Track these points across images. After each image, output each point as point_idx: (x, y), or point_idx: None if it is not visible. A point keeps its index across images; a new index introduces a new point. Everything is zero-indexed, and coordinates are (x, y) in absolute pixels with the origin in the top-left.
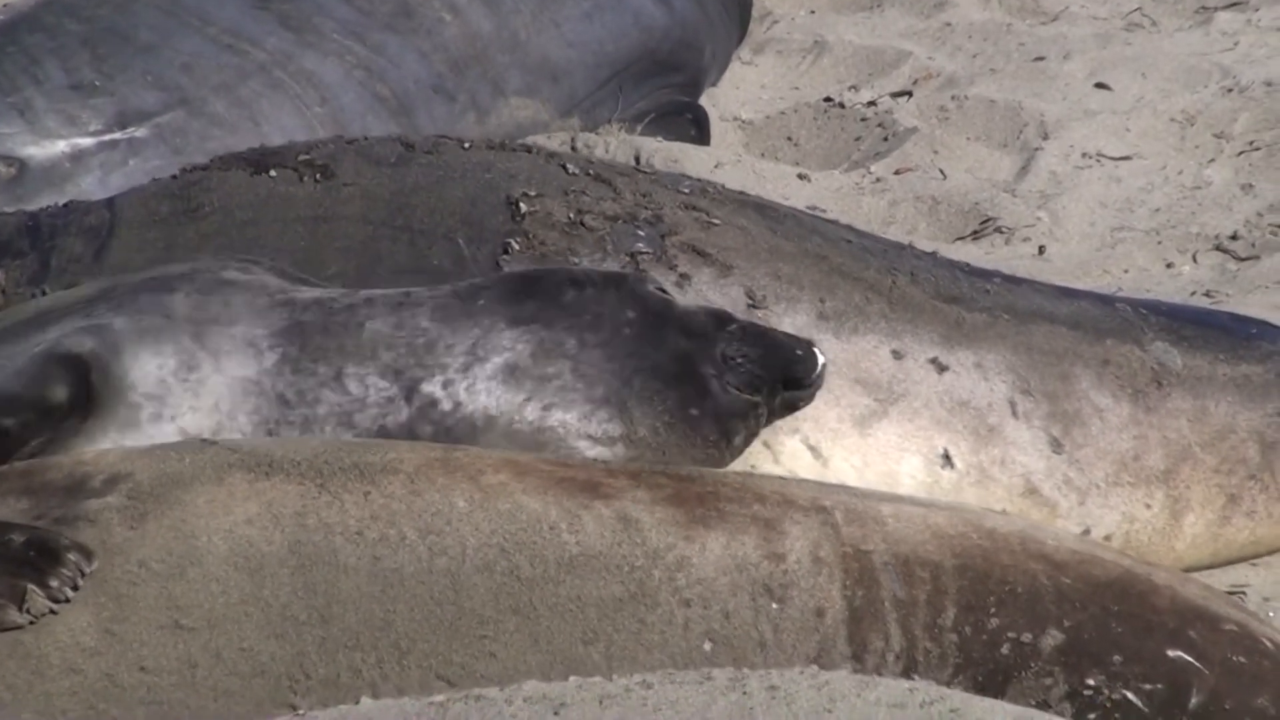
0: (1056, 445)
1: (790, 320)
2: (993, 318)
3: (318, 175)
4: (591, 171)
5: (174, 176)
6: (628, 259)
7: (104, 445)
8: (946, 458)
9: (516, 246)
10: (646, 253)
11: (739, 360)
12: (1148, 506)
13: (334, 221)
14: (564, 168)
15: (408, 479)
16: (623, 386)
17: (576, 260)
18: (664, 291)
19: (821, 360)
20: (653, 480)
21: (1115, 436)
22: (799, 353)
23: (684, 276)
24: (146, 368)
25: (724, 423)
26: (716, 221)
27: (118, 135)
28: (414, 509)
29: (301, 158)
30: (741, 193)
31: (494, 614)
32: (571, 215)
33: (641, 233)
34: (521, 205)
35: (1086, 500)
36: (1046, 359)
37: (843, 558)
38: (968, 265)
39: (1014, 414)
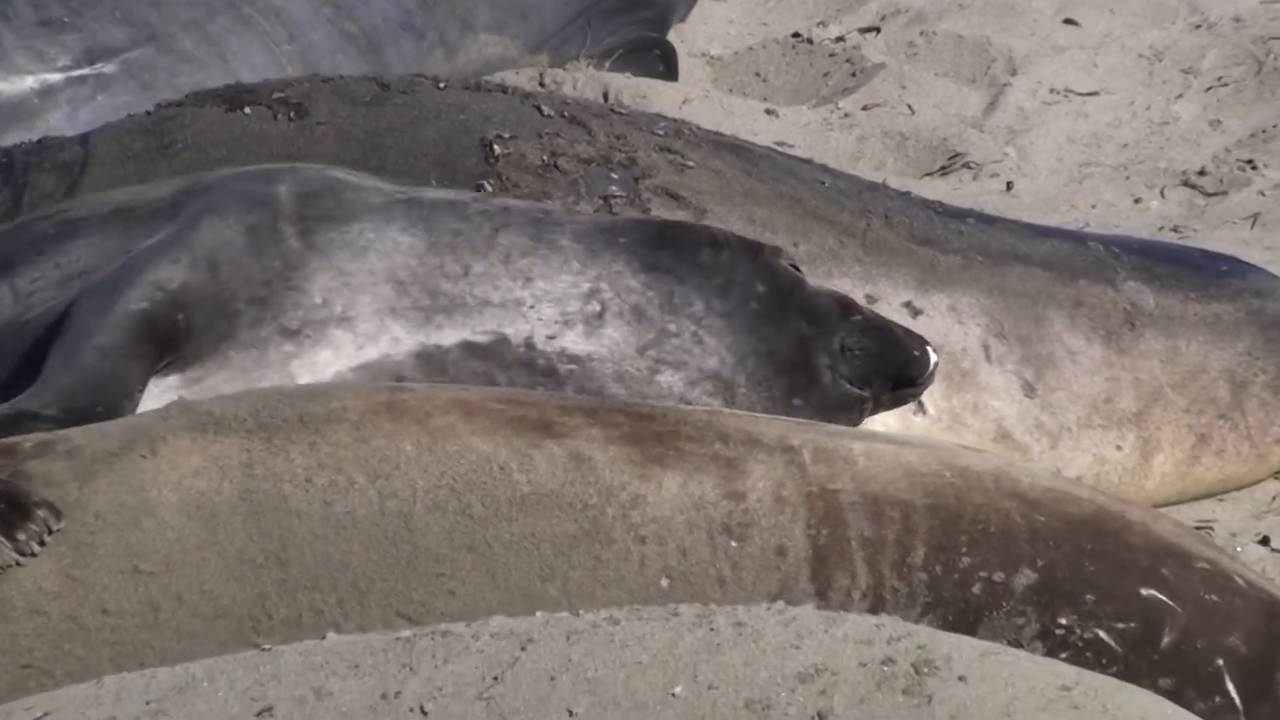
0: (1029, 389)
1: None
2: (967, 260)
3: (292, 113)
4: (566, 113)
5: (148, 113)
6: (601, 202)
7: (203, 368)
8: (919, 404)
9: (489, 188)
10: (620, 196)
11: (856, 353)
12: (1119, 448)
13: (307, 160)
14: (539, 109)
15: (353, 427)
16: (736, 364)
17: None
18: (796, 268)
19: (934, 360)
20: (609, 418)
21: (1088, 379)
22: (915, 352)
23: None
24: (249, 275)
25: (827, 414)
26: (690, 164)
27: (86, 71)
28: (360, 455)
29: (276, 95)
30: (717, 134)
31: (449, 552)
32: (545, 158)
33: (615, 175)
34: (495, 147)
35: (1059, 444)
36: (1020, 301)
37: (807, 496)
38: (941, 205)
39: (987, 358)
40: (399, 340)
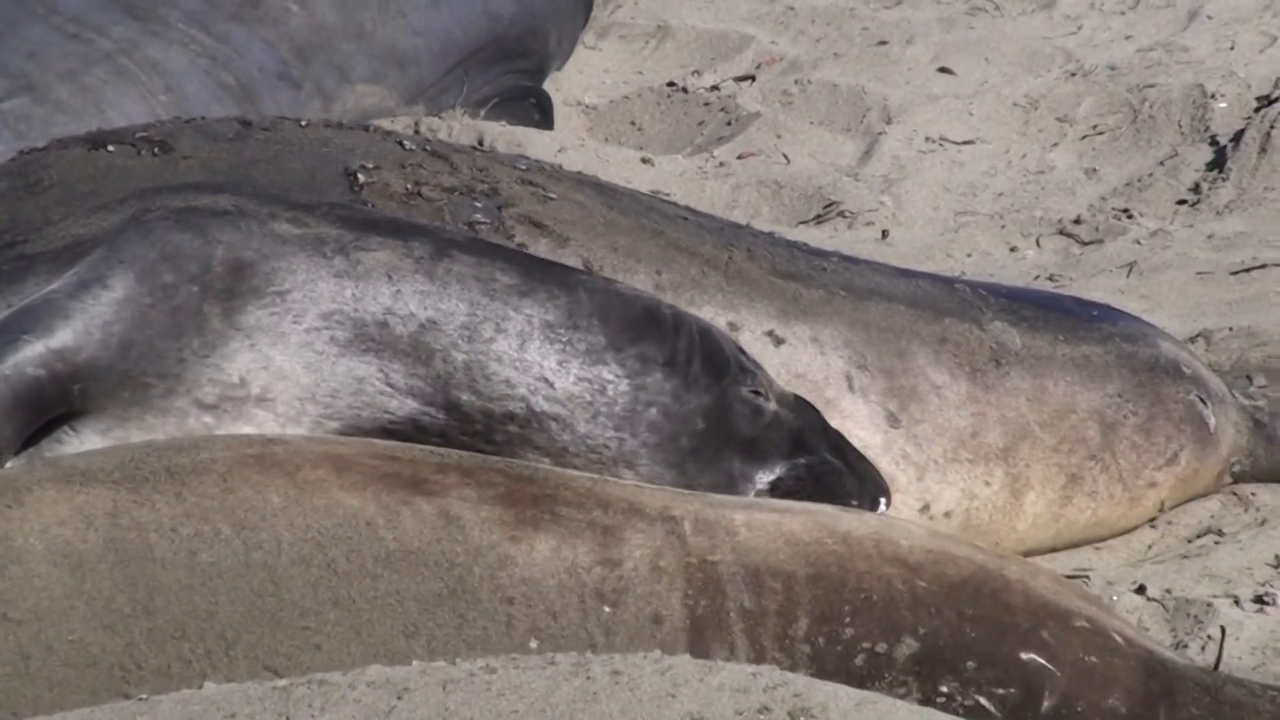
0: (894, 420)
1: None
2: (829, 294)
3: (155, 149)
4: (428, 148)
5: (11, 159)
6: (465, 228)
7: (128, 423)
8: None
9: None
10: (484, 223)
11: (792, 485)
12: (987, 484)
13: (173, 179)
14: (400, 144)
15: (220, 478)
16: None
17: None
18: (759, 395)
19: (883, 509)
20: (485, 478)
21: (953, 413)
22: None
23: (521, 246)
24: (164, 352)
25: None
26: (553, 196)
27: None
28: (227, 505)
29: (139, 135)
30: (579, 172)
31: (314, 605)
32: (409, 186)
33: (479, 204)
34: (360, 176)
35: (925, 475)
36: (883, 335)
37: (685, 567)
38: (805, 245)
39: (850, 388)
40: (320, 423)
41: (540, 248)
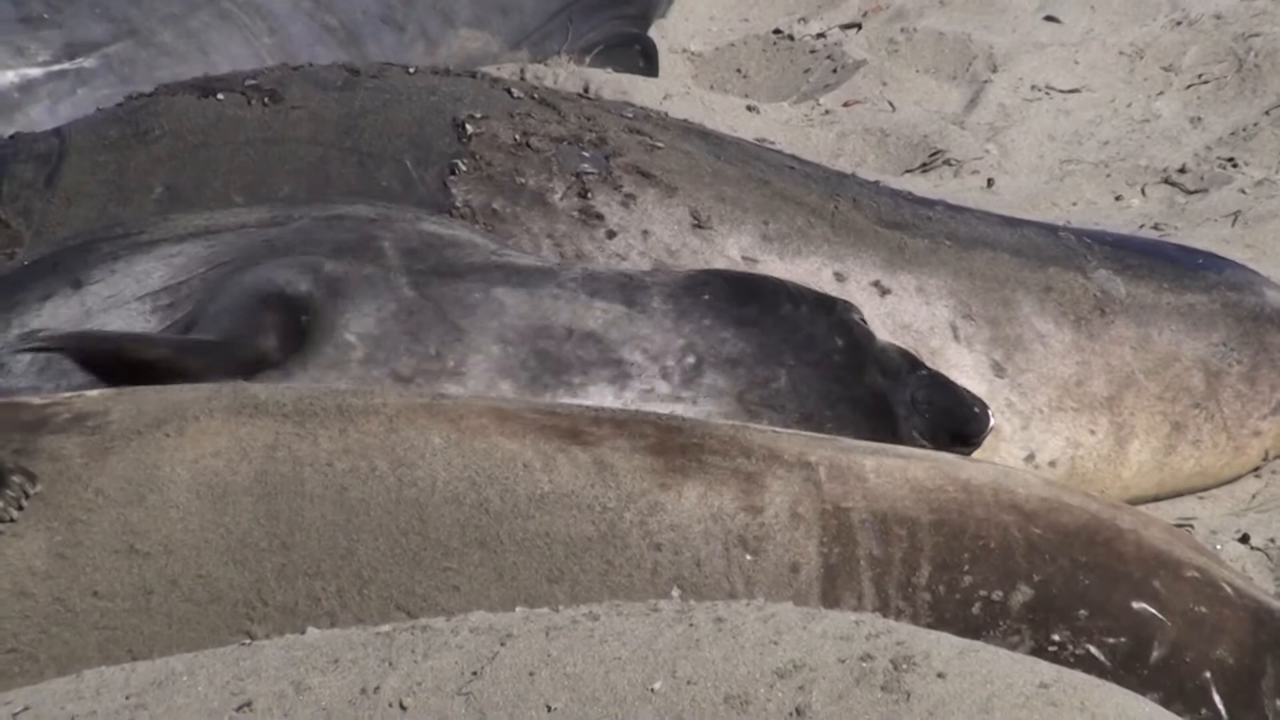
0: (999, 369)
1: (735, 241)
2: (935, 244)
3: (265, 99)
4: (536, 96)
5: (119, 104)
6: (574, 179)
7: (301, 381)
8: None
9: (464, 167)
10: (592, 173)
11: (925, 407)
12: (1092, 432)
13: (284, 144)
14: (509, 92)
15: (387, 419)
16: (826, 409)
17: (521, 181)
18: (864, 323)
19: (992, 423)
20: (637, 429)
21: (1058, 362)
22: (976, 411)
23: (629, 196)
24: (365, 312)
25: None
26: (660, 145)
27: (66, 66)
28: (388, 444)
29: (248, 83)
30: (685, 120)
31: (459, 546)
32: (517, 137)
33: (586, 154)
34: (468, 127)
35: (1030, 425)
36: (988, 285)
37: (822, 514)
38: (910, 194)
39: (955, 338)
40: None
41: (649, 196)
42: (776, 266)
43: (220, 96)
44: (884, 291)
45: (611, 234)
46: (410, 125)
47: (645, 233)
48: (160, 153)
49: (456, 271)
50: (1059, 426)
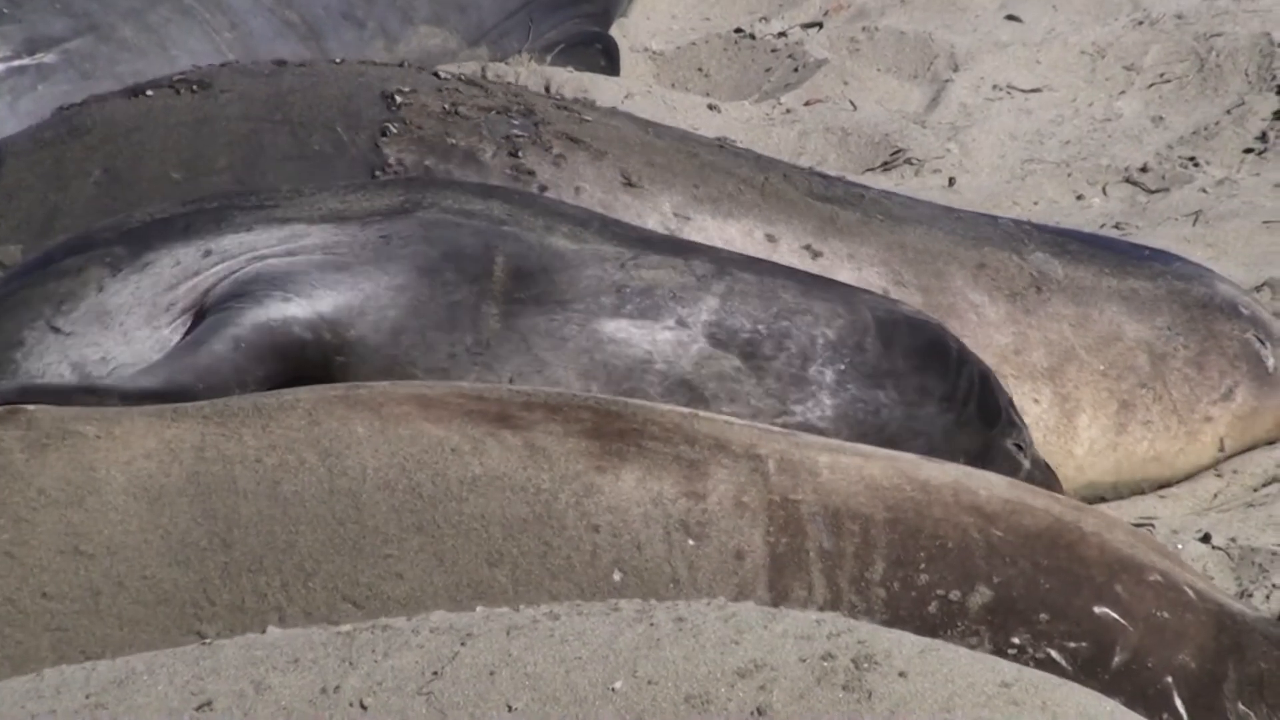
0: None
1: (667, 199)
2: (867, 217)
3: (194, 88)
4: (463, 77)
5: (51, 115)
6: (504, 140)
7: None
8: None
9: (394, 130)
10: (521, 135)
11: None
12: (1036, 401)
13: (215, 121)
14: (435, 74)
15: (305, 413)
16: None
17: (452, 142)
18: (1020, 450)
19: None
20: (572, 414)
21: (993, 331)
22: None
23: (559, 156)
24: (436, 346)
25: None
26: (589, 119)
27: (27, 61)
28: (312, 436)
29: (176, 79)
30: (613, 109)
31: (397, 532)
32: (446, 106)
33: (515, 121)
34: (397, 98)
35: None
36: (920, 257)
37: (768, 505)
38: (844, 177)
39: None
40: None
41: (579, 158)
42: (709, 224)
43: (149, 93)
44: (815, 254)
45: (544, 188)
46: (339, 99)
47: (577, 189)
48: (94, 142)
49: (561, 300)
50: None
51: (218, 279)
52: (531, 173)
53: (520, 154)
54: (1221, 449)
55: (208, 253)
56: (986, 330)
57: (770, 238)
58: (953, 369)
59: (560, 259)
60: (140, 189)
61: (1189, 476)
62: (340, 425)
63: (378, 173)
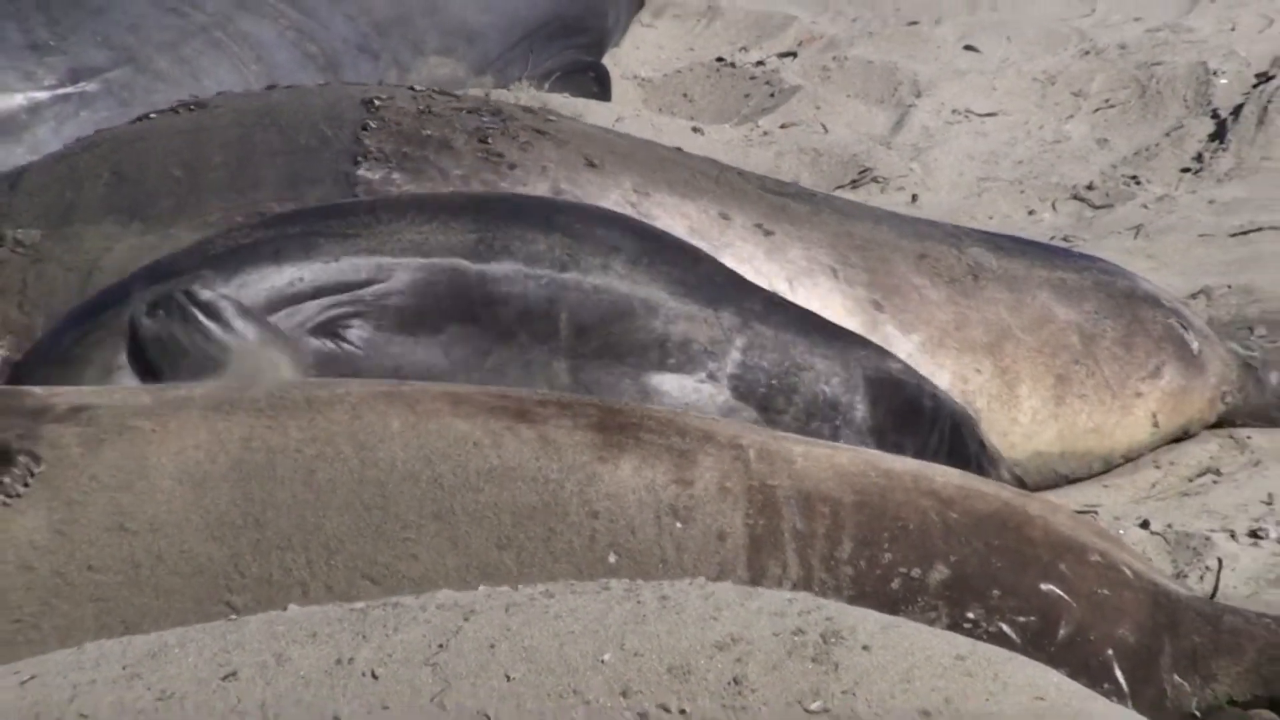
0: (878, 307)
1: (627, 178)
2: (816, 209)
3: (191, 108)
4: (435, 90)
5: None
6: (474, 131)
7: None
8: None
9: (374, 125)
10: (491, 127)
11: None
12: (978, 371)
13: (211, 129)
14: (411, 88)
15: (351, 407)
16: None
17: (427, 133)
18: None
19: None
20: (580, 409)
21: (934, 309)
22: None
23: (526, 144)
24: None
25: None
26: (552, 119)
27: (70, 90)
28: (352, 430)
29: (178, 103)
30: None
31: (417, 518)
32: (420, 108)
33: (485, 117)
34: (376, 102)
35: (914, 356)
36: (866, 245)
37: (749, 490)
38: (796, 184)
39: (835, 278)
40: None
41: (544, 146)
42: (667, 201)
43: (152, 115)
44: (767, 233)
45: (512, 166)
46: (323, 105)
47: (543, 169)
48: (103, 152)
49: (617, 353)
50: (944, 361)
51: (308, 315)
52: (500, 155)
53: (489, 140)
54: (1155, 424)
55: (299, 280)
56: (929, 308)
57: (724, 216)
58: (925, 426)
59: (614, 308)
60: (145, 186)
61: (1129, 454)
62: (378, 420)
63: (360, 159)
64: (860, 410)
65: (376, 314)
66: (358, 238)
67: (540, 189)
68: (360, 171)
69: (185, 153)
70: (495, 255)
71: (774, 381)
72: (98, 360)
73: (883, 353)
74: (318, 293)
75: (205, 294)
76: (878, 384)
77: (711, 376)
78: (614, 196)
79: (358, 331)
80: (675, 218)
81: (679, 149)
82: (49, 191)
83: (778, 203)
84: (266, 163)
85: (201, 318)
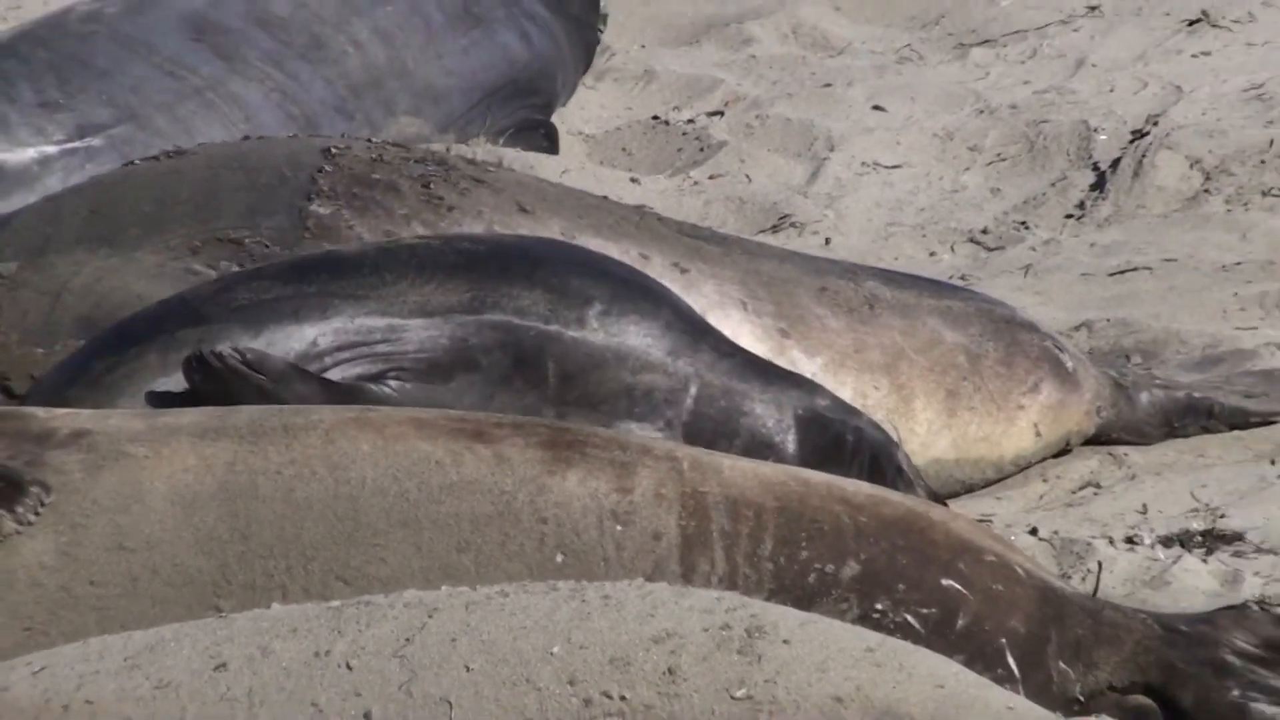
0: (785, 334)
1: (556, 223)
2: (727, 250)
3: (170, 155)
4: (389, 143)
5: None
6: (419, 177)
7: None
8: None
9: (329, 169)
10: (435, 175)
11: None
12: (876, 388)
13: (182, 171)
14: (368, 140)
15: (324, 433)
16: None
17: (376, 177)
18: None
19: None
20: (531, 429)
21: (835, 336)
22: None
23: (465, 190)
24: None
25: None
26: (491, 170)
27: (77, 144)
28: (325, 453)
29: (161, 152)
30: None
31: (385, 526)
32: (373, 156)
33: (430, 166)
34: (333, 149)
35: (819, 375)
36: (772, 280)
37: (681, 496)
38: (710, 229)
39: (745, 310)
40: None
41: (481, 193)
42: (592, 243)
43: (136, 162)
44: (684, 271)
45: (451, 208)
46: (286, 153)
47: (480, 212)
48: (86, 192)
49: (593, 401)
50: (845, 380)
51: (327, 369)
52: (441, 198)
53: (431, 185)
54: (1038, 434)
55: (321, 338)
56: (830, 334)
57: (644, 256)
58: (846, 458)
59: (591, 359)
60: (118, 219)
61: (1017, 462)
62: (349, 443)
63: (312, 196)
64: (791, 446)
65: (395, 369)
66: (368, 299)
67: (476, 229)
68: (312, 207)
69: (158, 190)
70: (488, 310)
71: (719, 427)
72: (129, 391)
73: (814, 391)
74: (337, 350)
75: (250, 353)
76: (807, 421)
77: (668, 424)
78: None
79: (378, 383)
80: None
81: (605, 197)
82: (31, 229)
83: (693, 244)
84: (228, 197)
85: (248, 372)
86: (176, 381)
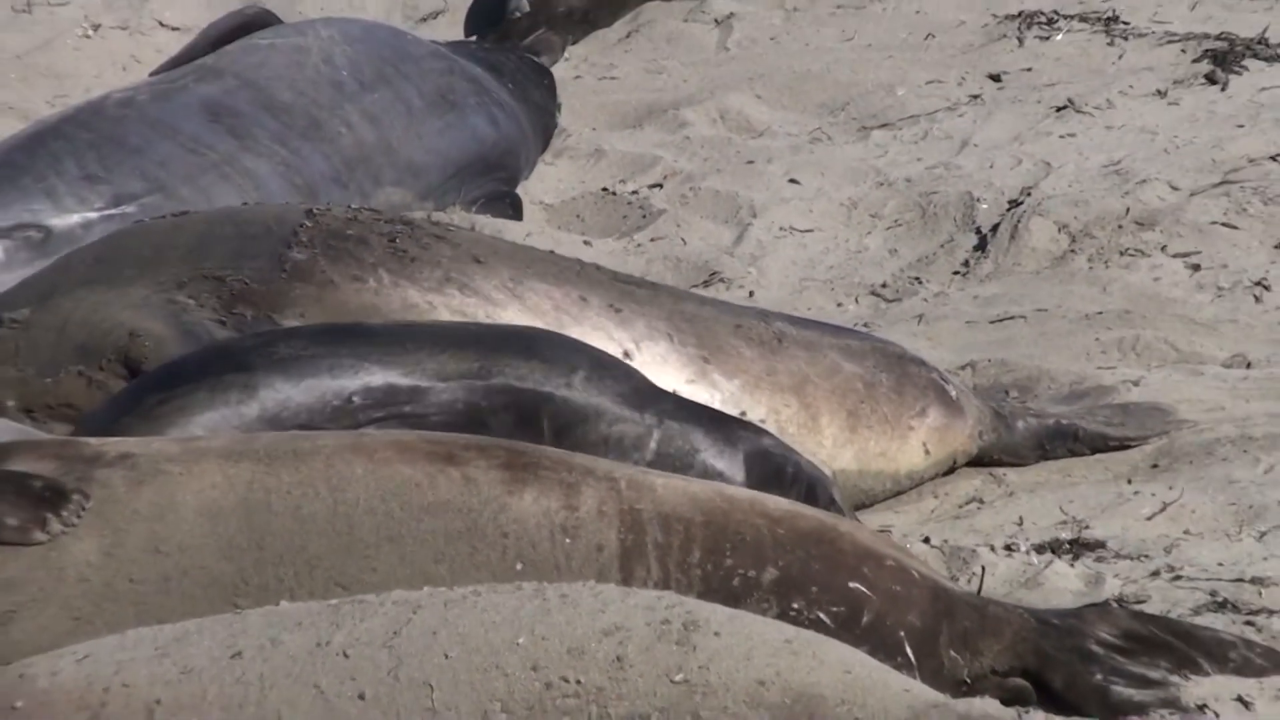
0: (706, 361)
1: (506, 270)
2: (655, 294)
3: (174, 215)
4: (365, 208)
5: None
6: (386, 234)
7: None
8: (625, 354)
9: (308, 224)
10: (401, 232)
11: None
12: (786, 406)
13: (184, 226)
14: (348, 206)
15: (326, 457)
16: None
17: (350, 233)
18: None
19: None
20: (493, 453)
21: (749, 363)
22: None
23: (426, 245)
24: None
25: None
26: (452, 230)
27: (114, 211)
28: (326, 475)
29: (169, 214)
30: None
31: (375, 540)
32: (349, 216)
33: (398, 226)
34: (315, 211)
35: (737, 394)
36: (693, 319)
37: (620, 512)
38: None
39: (671, 341)
40: None
41: (442, 248)
42: (538, 287)
43: (146, 220)
44: (618, 310)
45: (414, 259)
46: (275, 212)
47: (438, 262)
48: (97, 246)
49: (579, 450)
50: (760, 398)
51: (358, 422)
52: (405, 250)
53: (397, 240)
54: (927, 452)
55: (354, 396)
56: (745, 361)
57: (583, 299)
58: (785, 487)
59: (577, 415)
60: (119, 264)
61: (911, 477)
62: (345, 467)
63: (292, 244)
64: (738, 479)
65: (417, 424)
66: (394, 365)
67: (434, 277)
68: (291, 253)
69: (158, 239)
70: (493, 376)
71: (677, 464)
72: (180, 423)
73: (760, 432)
74: (370, 408)
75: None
76: (752, 457)
77: (636, 464)
78: (494, 283)
79: None
80: (544, 300)
81: (552, 251)
82: (44, 279)
83: (625, 289)
84: (218, 244)
85: None
86: (222, 417)
